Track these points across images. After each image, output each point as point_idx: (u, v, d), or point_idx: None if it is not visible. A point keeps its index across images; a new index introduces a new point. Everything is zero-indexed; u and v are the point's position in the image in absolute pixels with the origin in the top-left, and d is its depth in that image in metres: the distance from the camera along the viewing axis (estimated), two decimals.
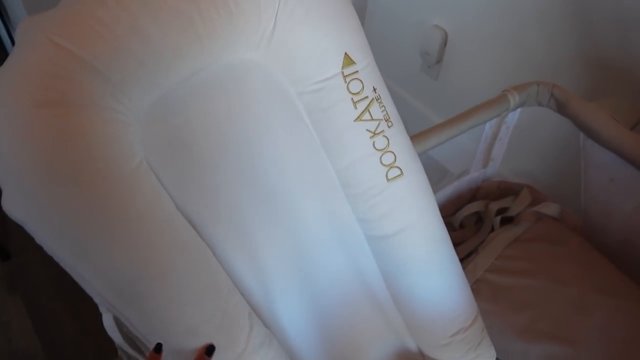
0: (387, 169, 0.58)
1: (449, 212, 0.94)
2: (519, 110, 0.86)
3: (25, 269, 1.25)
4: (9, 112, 0.38)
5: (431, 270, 0.62)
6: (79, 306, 1.17)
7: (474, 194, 0.97)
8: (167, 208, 0.46)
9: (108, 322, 0.45)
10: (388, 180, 0.58)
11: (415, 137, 0.74)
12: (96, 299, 0.45)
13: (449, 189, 0.90)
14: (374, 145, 0.57)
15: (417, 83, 1.56)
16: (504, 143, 0.90)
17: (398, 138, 0.58)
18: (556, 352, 0.70)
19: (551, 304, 0.74)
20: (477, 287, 0.78)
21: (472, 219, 0.96)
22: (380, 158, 0.57)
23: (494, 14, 1.19)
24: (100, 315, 0.48)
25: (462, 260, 0.84)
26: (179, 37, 0.45)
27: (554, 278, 0.77)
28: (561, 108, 0.82)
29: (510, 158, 0.98)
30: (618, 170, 0.78)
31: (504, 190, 0.96)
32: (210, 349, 0.46)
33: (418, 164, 0.61)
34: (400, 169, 0.58)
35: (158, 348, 0.43)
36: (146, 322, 0.44)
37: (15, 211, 0.40)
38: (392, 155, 0.58)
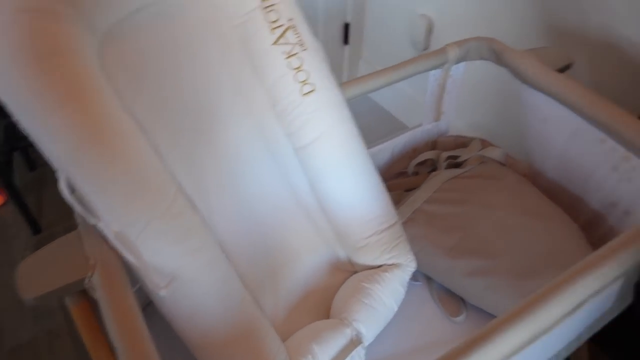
0: (301, 85, 0.70)
1: (405, 164, 1.02)
2: (463, 64, 0.95)
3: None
4: None
5: (345, 175, 0.73)
6: None
7: (431, 147, 1.05)
8: (113, 104, 0.58)
9: (62, 184, 0.57)
10: (303, 95, 0.70)
11: (357, 80, 0.84)
12: (54, 165, 0.58)
13: (403, 139, 0.99)
14: (289, 64, 0.69)
15: None
16: (452, 97, 0.99)
17: (312, 60, 0.70)
18: (477, 265, 0.77)
19: (478, 226, 0.81)
20: (415, 216, 0.86)
21: (427, 169, 1.04)
22: (295, 76, 0.69)
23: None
24: None
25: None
26: None
27: (483, 204, 0.84)
28: (499, 58, 0.90)
29: (465, 114, 1.05)
30: (548, 109, 0.85)
31: (460, 144, 1.04)
32: None
33: (331, 82, 0.72)
34: (313, 85, 0.70)
35: None
36: (88, 183, 0.55)
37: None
38: (305, 74, 0.70)
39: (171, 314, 0.61)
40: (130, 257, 0.57)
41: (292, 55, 0.69)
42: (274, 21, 0.69)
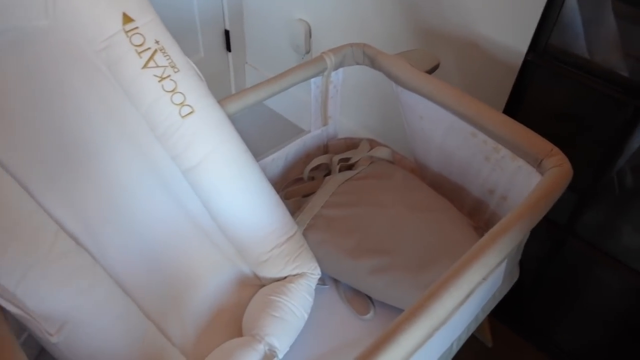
0: (179, 107, 0.68)
1: (300, 170, 1.04)
2: (341, 70, 0.99)
3: None
4: None
5: (236, 192, 0.73)
6: None
7: (323, 152, 1.08)
8: None
9: None
10: (182, 117, 0.68)
11: (242, 92, 0.84)
12: None
13: (294, 146, 1.01)
14: (162, 87, 0.67)
15: None
16: (336, 101, 1.02)
17: (186, 81, 0.69)
18: (379, 263, 0.81)
19: (373, 226, 0.86)
20: (315, 222, 0.88)
21: (322, 173, 1.07)
22: (171, 98, 0.68)
23: (344, 5, 1.34)
24: None
25: None
26: None
27: (377, 205, 0.88)
28: (373, 63, 0.95)
29: (350, 117, 1.11)
30: (423, 108, 0.92)
31: (350, 146, 1.08)
32: None
33: (210, 102, 0.71)
34: (191, 107, 0.69)
35: None
36: None
37: None
38: (182, 96, 0.68)
39: None
40: (11, 308, 0.54)
41: (165, 77, 0.67)
42: (140, 44, 0.66)
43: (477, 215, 0.91)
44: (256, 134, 0.75)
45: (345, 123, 1.07)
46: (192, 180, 0.72)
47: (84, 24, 0.64)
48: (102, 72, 0.66)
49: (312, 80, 0.96)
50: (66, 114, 0.64)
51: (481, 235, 0.66)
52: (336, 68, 0.97)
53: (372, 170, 0.97)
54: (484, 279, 0.59)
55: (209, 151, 0.70)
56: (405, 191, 0.91)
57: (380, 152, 1.01)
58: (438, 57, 0.97)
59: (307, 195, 1.00)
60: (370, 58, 0.95)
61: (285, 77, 0.88)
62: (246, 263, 0.78)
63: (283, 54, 1.65)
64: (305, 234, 0.86)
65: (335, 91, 1.00)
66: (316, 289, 0.82)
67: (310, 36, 1.53)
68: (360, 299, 0.85)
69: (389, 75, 0.92)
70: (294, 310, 0.75)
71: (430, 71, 0.94)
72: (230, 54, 1.77)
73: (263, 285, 0.80)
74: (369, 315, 0.83)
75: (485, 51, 1.09)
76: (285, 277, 0.79)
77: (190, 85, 0.69)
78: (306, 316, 0.78)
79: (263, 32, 1.70)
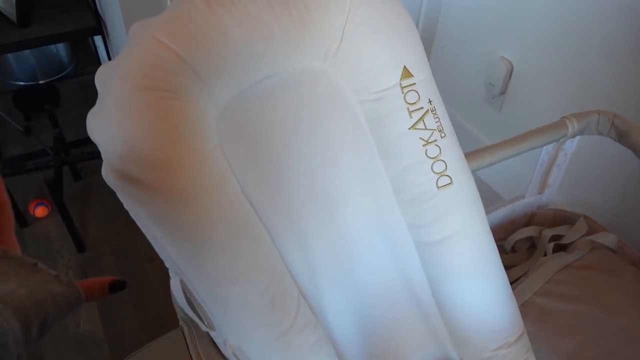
0: (437, 176, 0.61)
1: (502, 236, 0.94)
2: (577, 138, 0.87)
3: (97, 261, 1.37)
4: (117, 93, 0.46)
5: (475, 278, 0.64)
6: (143, 298, 1.27)
7: (528, 220, 0.97)
8: (234, 190, 0.52)
9: (174, 285, 0.51)
10: (438, 187, 0.61)
11: (470, 154, 0.76)
12: (166, 263, 0.51)
13: (502, 212, 0.91)
14: (426, 153, 0.61)
15: (481, 114, 1.58)
16: (561, 170, 0.90)
17: (450, 149, 0.62)
18: None
19: (600, 332, 0.73)
20: (525, 309, 0.78)
21: (525, 244, 0.95)
22: (432, 166, 0.61)
23: (559, 46, 1.20)
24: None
25: (511, 283, 0.84)
26: (257, 41, 0.51)
27: (604, 306, 0.75)
28: (622, 137, 0.82)
29: (568, 186, 0.97)
30: None
31: (560, 219, 0.96)
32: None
33: (468, 176, 0.64)
34: (450, 178, 0.61)
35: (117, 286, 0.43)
36: (207, 290, 0.50)
37: (111, 179, 0.47)
38: (443, 164, 0.61)
39: None
40: None
41: (430, 142, 0.61)
42: (413, 103, 0.60)
43: None
44: None
45: (559, 192, 0.95)
46: (428, 255, 0.65)
47: (360, 72, 0.59)
48: (360, 125, 0.62)
49: (545, 146, 0.85)
50: (318, 160, 0.60)
51: None
52: (574, 136, 0.85)
53: (596, 260, 0.84)
54: None
55: (458, 229, 0.63)
56: (639, 297, 0.77)
57: (605, 239, 0.87)
58: None
59: (509, 267, 0.90)
60: (619, 131, 0.82)
61: (521, 142, 0.79)
62: (460, 352, 0.69)
63: (470, 90, 1.55)
64: None
65: (564, 159, 0.89)
66: None
67: (510, 76, 1.41)
68: None
69: None
70: None
71: None
72: None
73: None
74: None
75: None
76: None
77: (453, 155, 0.62)
78: None
79: (451, 65, 1.61)
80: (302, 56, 0.57)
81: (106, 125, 0.47)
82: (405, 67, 0.59)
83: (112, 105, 0.46)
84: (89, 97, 1.92)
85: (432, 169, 0.61)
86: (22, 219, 1.45)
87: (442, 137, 0.61)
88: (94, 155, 1.57)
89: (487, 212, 0.90)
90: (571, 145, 0.87)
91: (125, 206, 0.48)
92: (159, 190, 0.47)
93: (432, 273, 0.66)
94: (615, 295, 0.77)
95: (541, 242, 0.91)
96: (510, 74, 1.40)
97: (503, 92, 1.45)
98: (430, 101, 0.61)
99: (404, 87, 0.60)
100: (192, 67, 0.48)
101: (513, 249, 0.95)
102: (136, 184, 0.47)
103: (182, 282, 0.50)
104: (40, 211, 1.45)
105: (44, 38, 1.45)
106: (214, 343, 0.53)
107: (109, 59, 1.61)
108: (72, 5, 1.59)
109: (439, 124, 0.61)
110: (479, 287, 0.64)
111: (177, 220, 0.48)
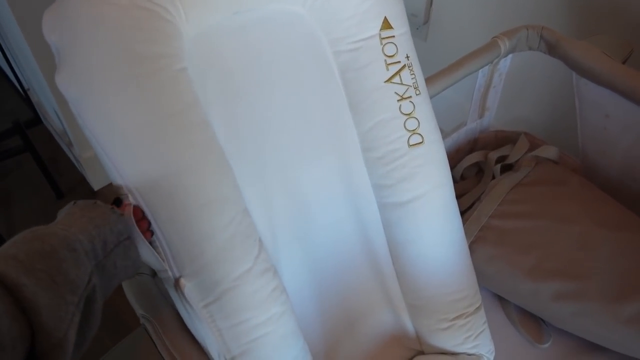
0: (409, 134, 0.58)
1: (450, 165, 0.94)
2: (510, 56, 0.86)
3: None
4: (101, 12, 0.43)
5: (439, 244, 0.63)
6: None
7: (472, 146, 0.97)
8: (199, 116, 0.48)
9: (130, 221, 0.46)
10: (409, 146, 0.59)
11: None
12: (115, 181, 0.47)
13: (448, 142, 0.90)
14: (400, 108, 0.58)
15: None
16: (498, 91, 0.90)
17: (424, 107, 0.59)
18: (565, 288, 0.71)
19: (556, 243, 0.75)
20: (483, 233, 0.79)
21: (472, 170, 0.96)
22: (405, 122, 0.58)
23: None
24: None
25: (465, 210, 0.85)
26: None
27: (557, 218, 0.77)
28: (552, 49, 0.82)
29: (505, 107, 0.98)
30: (613, 105, 0.79)
31: (502, 139, 0.97)
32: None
33: (439, 136, 0.61)
34: (422, 137, 0.59)
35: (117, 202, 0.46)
36: (171, 220, 0.46)
37: (69, 89, 0.44)
38: (416, 122, 0.58)
39: None
40: (196, 313, 0.48)
41: (405, 98, 0.58)
42: (391, 56, 0.57)
43: None
44: None
45: (498, 114, 0.95)
46: (392, 218, 0.62)
47: (339, 20, 0.56)
48: (334, 77, 0.59)
49: (481, 69, 0.84)
50: (289, 109, 0.56)
51: None
52: (507, 54, 0.84)
53: (541, 173, 0.85)
54: None
55: (425, 191, 0.60)
56: (588, 203, 0.80)
57: (546, 152, 0.89)
58: (631, 43, 0.82)
59: (461, 196, 0.91)
60: (548, 44, 0.82)
61: (458, 70, 0.77)
62: (417, 323, 0.68)
63: None
64: (472, 247, 0.77)
65: (499, 80, 0.88)
66: (487, 310, 0.72)
67: (431, 5, 1.38)
68: (535, 324, 0.76)
69: (574, 64, 0.79)
70: None
71: (623, 61, 0.80)
72: None
73: (420, 352, 0.69)
74: (546, 344, 0.74)
75: None
76: (457, 354, 0.67)
77: (426, 113, 0.60)
78: None
79: None
80: None
81: (69, 22, 0.43)
82: (385, 18, 0.56)
83: (78, 4, 0.43)
84: None
85: (404, 125, 0.58)
86: None
87: (417, 95, 0.58)
88: (3, 155, 1.42)
89: None
90: (504, 64, 0.87)
91: (80, 122, 0.45)
92: (126, 109, 0.44)
93: (394, 237, 0.64)
94: (565, 205, 0.79)
95: (487, 165, 0.92)
96: (431, 2, 1.38)
97: (426, 21, 1.43)
98: (407, 57, 0.58)
99: (383, 38, 0.56)
100: None
101: (462, 177, 0.96)
102: (98, 93, 0.43)
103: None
104: None
105: None
106: (179, 331, 0.49)
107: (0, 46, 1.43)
108: None
109: (414, 80, 0.58)
110: (442, 253, 0.63)
111: (140, 142, 0.45)
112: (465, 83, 0.88)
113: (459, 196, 0.90)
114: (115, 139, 0.45)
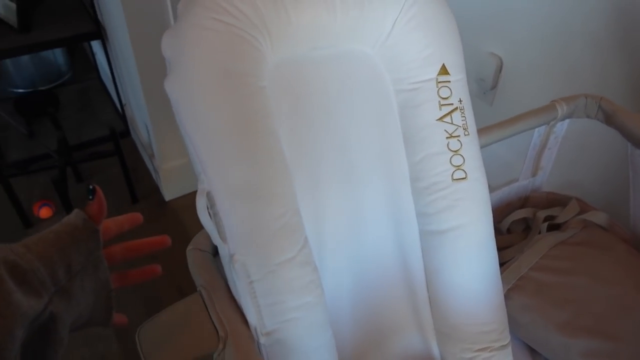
0: (454, 169, 0.65)
1: (498, 219, 0.98)
2: (567, 121, 0.91)
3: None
4: (192, 19, 0.53)
5: (470, 275, 0.67)
6: (149, 295, 1.29)
7: (523, 203, 1.01)
8: (270, 127, 0.57)
9: (200, 202, 0.54)
10: (452, 179, 0.65)
11: None
12: (197, 173, 0.56)
13: (498, 194, 0.95)
14: (447, 145, 0.65)
15: (473, 109, 1.63)
16: (552, 153, 0.94)
17: (470, 146, 0.66)
18: (597, 346, 0.72)
19: (593, 301, 0.76)
20: (521, 283, 0.81)
21: (520, 226, 0.99)
22: (451, 158, 0.65)
23: (545, 40, 1.25)
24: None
25: (507, 261, 0.88)
26: (322, 14, 0.59)
27: (596, 277, 0.79)
28: (609, 119, 0.86)
29: (559, 170, 1.01)
30: None
31: (553, 201, 0.99)
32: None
33: (482, 175, 0.67)
34: (466, 173, 0.65)
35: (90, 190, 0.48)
36: (229, 202, 0.54)
37: (172, 91, 0.54)
38: (461, 159, 0.65)
39: None
40: (243, 288, 0.54)
41: (453, 137, 0.65)
42: (445, 98, 0.65)
43: None
44: None
45: (551, 175, 0.99)
46: (430, 245, 0.68)
47: (402, 63, 0.64)
48: (393, 111, 0.67)
49: (537, 128, 0.89)
50: (347, 134, 0.64)
51: None
52: (564, 119, 0.89)
53: (587, 236, 0.87)
54: None
55: (464, 223, 0.66)
56: (631, 269, 0.81)
57: (596, 217, 0.91)
58: None
59: (503, 249, 0.94)
60: (606, 113, 0.86)
61: (513, 124, 0.83)
62: (444, 349, 0.71)
63: None
64: (508, 295, 0.80)
65: (555, 142, 0.93)
66: (515, 358, 0.74)
67: (500, 71, 1.45)
68: None
69: (629, 135, 0.83)
70: None
71: None
72: None
73: None
74: None
75: None
76: None
77: (472, 153, 0.66)
78: None
79: None
80: (354, 38, 0.63)
81: (178, 41, 0.54)
82: (444, 64, 0.64)
83: (187, 28, 0.53)
84: (87, 103, 1.96)
85: (450, 161, 0.65)
86: (27, 220, 1.47)
87: (465, 135, 0.65)
88: (95, 156, 1.60)
89: None
90: (561, 128, 0.91)
91: (177, 117, 0.54)
92: (212, 107, 0.53)
93: (430, 263, 0.69)
94: (607, 267, 0.81)
95: (535, 222, 0.95)
96: (500, 69, 1.45)
97: (494, 87, 1.49)
98: (460, 100, 0.65)
99: (439, 82, 0.65)
100: (263, 18, 0.55)
101: (508, 231, 0.99)
102: (193, 97, 0.53)
103: (208, 195, 0.54)
104: (44, 212, 1.47)
105: (44, 43, 1.48)
106: (228, 302, 0.56)
107: (109, 63, 1.64)
108: (71, 12, 1.63)
109: (464, 122, 0.65)
110: (473, 284, 0.67)
111: (221, 145, 0.53)
112: (519, 142, 0.93)
113: (503, 248, 0.93)
114: (202, 134, 0.54)
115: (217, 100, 0.53)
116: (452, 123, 0.65)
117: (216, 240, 0.55)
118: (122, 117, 1.80)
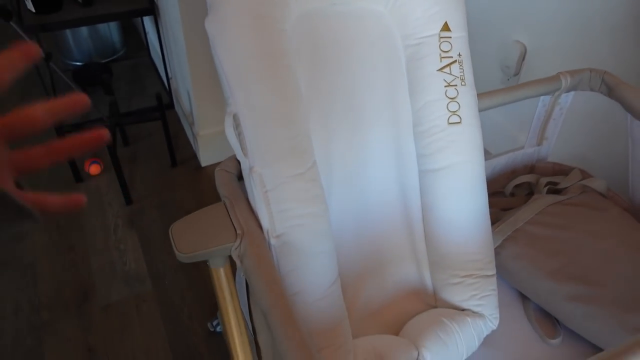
0: (450, 114, 0.74)
1: (503, 184, 1.05)
2: (572, 93, 0.97)
3: (141, 213, 1.53)
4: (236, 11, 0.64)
5: (463, 208, 0.76)
6: None
7: (529, 171, 1.07)
8: (289, 65, 0.66)
9: (228, 123, 0.64)
10: (448, 123, 0.74)
11: (479, 95, 0.87)
12: (228, 100, 0.65)
13: (504, 159, 1.02)
14: (445, 93, 0.74)
15: None
16: (557, 124, 1.01)
17: (466, 95, 0.75)
18: (580, 291, 0.79)
19: (582, 253, 0.83)
20: (516, 234, 0.88)
21: (524, 191, 1.06)
22: (447, 104, 0.74)
23: (565, 26, 1.30)
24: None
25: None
26: None
27: (589, 233, 0.85)
28: (611, 92, 0.92)
29: (565, 142, 1.07)
30: None
31: (558, 171, 1.05)
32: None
33: (477, 121, 0.76)
34: (460, 118, 0.74)
35: None
36: (251, 121, 0.63)
37: (210, 27, 0.64)
38: (457, 105, 0.74)
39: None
40: (259, 196, 0.63)
41: (451, 85, 0.74)
42: (446, 51, 0.74)
43: None
44: None
45: (557, 147, 1.05)
46: (426, 182, 0.77)
47: (410, 20, 0.74)
48: (401, 64, 0.76)
49: (542, 97, 0.96)
50: (360, 81, 0.74)
51: None
52: (568, 90, 0.95)
53: (584, 199, 0.94)
54: None
55: (456, 162, 0.74)
56: (622, 227, 0.87)
57: (594, 183, 0.97)
58: None
59: (506, 209, 1.01)
60: (608, 86, 0.92)
61: (518, 90, 0.90)
62: (434, 277, 0.80)
63: (486, 73, 1.66)
64: (503, 244, 0.87)
65: (559, 113, 0.99)
66: (507, 304, 0.81)
67: (523, 59, 1.51)
68: (548, 322, 0.83)
69: (629, 107, 0.89)
70: (457, 342, 0.74)
71: None
72: None
73: (434, 307, 0.81)
74: (556, 341, 0.80)
75: None
76: (463, 310, 0.78)
77: (467, 101, 0.75)
78: (465, 357, 0.76)
79: (471, 50, 1.72)
80: None
81: None
82: (446, 22, 0.74)
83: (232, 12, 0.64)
84: (137, 77, 2.12)
85: (447, 107, 0.74)
86: (78, 175, 1.62)
87: (462, 85, 0.74)
88: (143, 119, 1.75)
89: (491, 158, 1.02)
90: (566, 100, 0.98)
91: (213, 51, 0.64)
92: (242, 41, 0.63)
93: (426, 199, 0.78)
94: (599, 225, 0.87)
95: (537, 187, 1.01)
96: (523, 56, 1.51)
97: (517, 73, 1.55)
98: (459, 54, 0.75)
99: (441, 37, 0.74)
100: None
101: (512, 195, 1.05)
102: (227, 33, 0.63)
103: (234, 116, 0.64)
104: (94, 169, 1.62)
105: (104, 16, 1.64)
106: (246, 209, 0.66)
107: (159, 39, 1.79)
108: None
109: (462, 74, 0.74)
110: (463, 218, 0.76)
111: (250, 80, 0.63)
112: (527, 113, 1.00)
113: (505, 209, 1.00)
114: (232, 63, 0.64)
115: (246, 36, 0.64)
116: (450, 74, 0.73)
117: (239, 154, 0.65)
118: (168, 91, 1.95)
